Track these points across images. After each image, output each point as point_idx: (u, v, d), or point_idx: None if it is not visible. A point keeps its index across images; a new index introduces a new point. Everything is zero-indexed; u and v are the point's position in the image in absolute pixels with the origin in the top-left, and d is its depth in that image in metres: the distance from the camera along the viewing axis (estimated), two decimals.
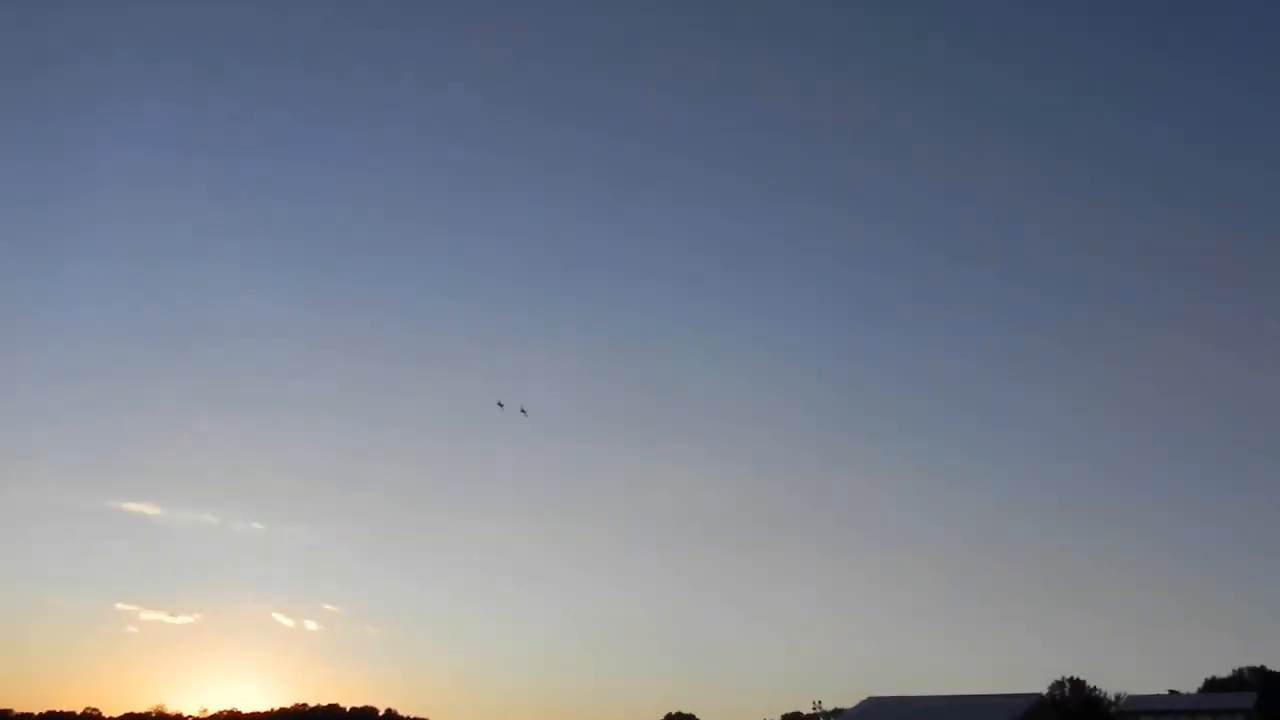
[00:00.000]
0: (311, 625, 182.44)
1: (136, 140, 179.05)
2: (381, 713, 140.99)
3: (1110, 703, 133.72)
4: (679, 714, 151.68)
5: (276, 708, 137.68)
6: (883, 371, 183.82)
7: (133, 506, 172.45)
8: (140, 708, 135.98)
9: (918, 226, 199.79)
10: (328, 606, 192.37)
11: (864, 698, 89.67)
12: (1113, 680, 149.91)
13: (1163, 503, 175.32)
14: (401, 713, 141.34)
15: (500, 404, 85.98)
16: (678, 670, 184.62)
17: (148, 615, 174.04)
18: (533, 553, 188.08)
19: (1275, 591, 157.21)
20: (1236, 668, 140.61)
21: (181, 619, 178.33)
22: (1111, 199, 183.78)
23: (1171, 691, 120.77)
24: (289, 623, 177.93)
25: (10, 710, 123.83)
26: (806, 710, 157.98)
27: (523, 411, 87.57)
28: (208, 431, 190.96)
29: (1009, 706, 74.53)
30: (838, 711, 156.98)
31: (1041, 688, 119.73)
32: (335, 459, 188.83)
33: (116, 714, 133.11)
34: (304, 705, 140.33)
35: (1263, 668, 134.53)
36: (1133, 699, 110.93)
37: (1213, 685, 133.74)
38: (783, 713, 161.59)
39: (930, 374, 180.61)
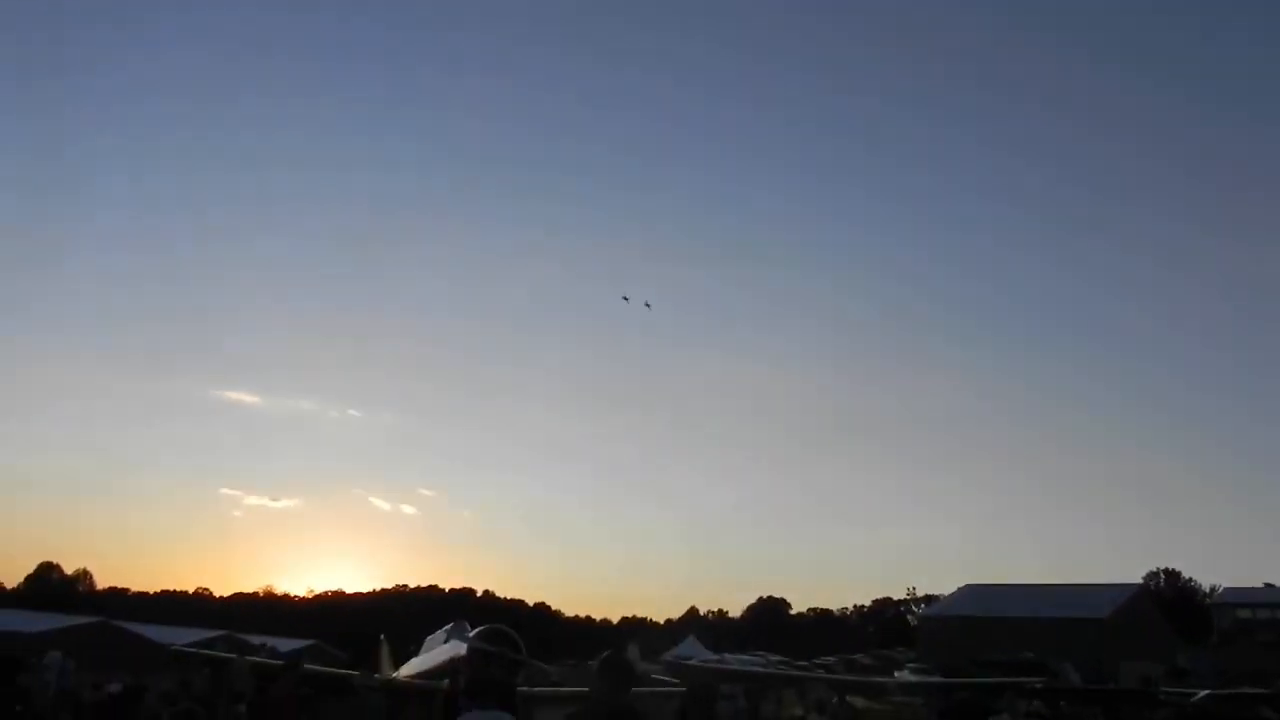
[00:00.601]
0: (408, 509, 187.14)
1: None
2: (479, 593, 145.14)
3: (1205, 594, 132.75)
4: (770, 597, 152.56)
5: (378, 589, 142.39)
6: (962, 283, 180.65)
7: (233, 395, 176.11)
8: (248, 589, 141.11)
9: None
10: (424, 491, 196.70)
11: (960, 585, 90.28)
12: (1207, 572, 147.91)
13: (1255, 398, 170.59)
14: (498, 594, 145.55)
15: (626, 298, 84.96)
16: (771, 559, 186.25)
17: (251, 500, 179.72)
18: (621, 443, 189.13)
19: None
20: None
21: (283, 503, 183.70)
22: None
23: (1268, 585, 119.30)
24: (386, 506, 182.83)
25: (128, 588, 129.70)
26: (899, 596, 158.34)
27: (647, 305, 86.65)
28: (303, 324, 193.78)
29: (1110, 595, 74.57)
30: (930, 599, 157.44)
31: (1136, 578, 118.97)
32: (431, 348, 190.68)
33: (226, 594, 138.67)
34: (404, 587, 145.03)
35: None
36: (1228, 590, 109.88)
37: None
38: (874, 598, 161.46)
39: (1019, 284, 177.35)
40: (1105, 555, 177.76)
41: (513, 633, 10.68)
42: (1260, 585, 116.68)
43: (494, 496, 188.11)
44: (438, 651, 18.83)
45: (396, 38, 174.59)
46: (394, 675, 21.30)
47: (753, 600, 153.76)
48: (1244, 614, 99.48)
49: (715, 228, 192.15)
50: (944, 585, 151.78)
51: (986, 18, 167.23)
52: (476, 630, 11.20)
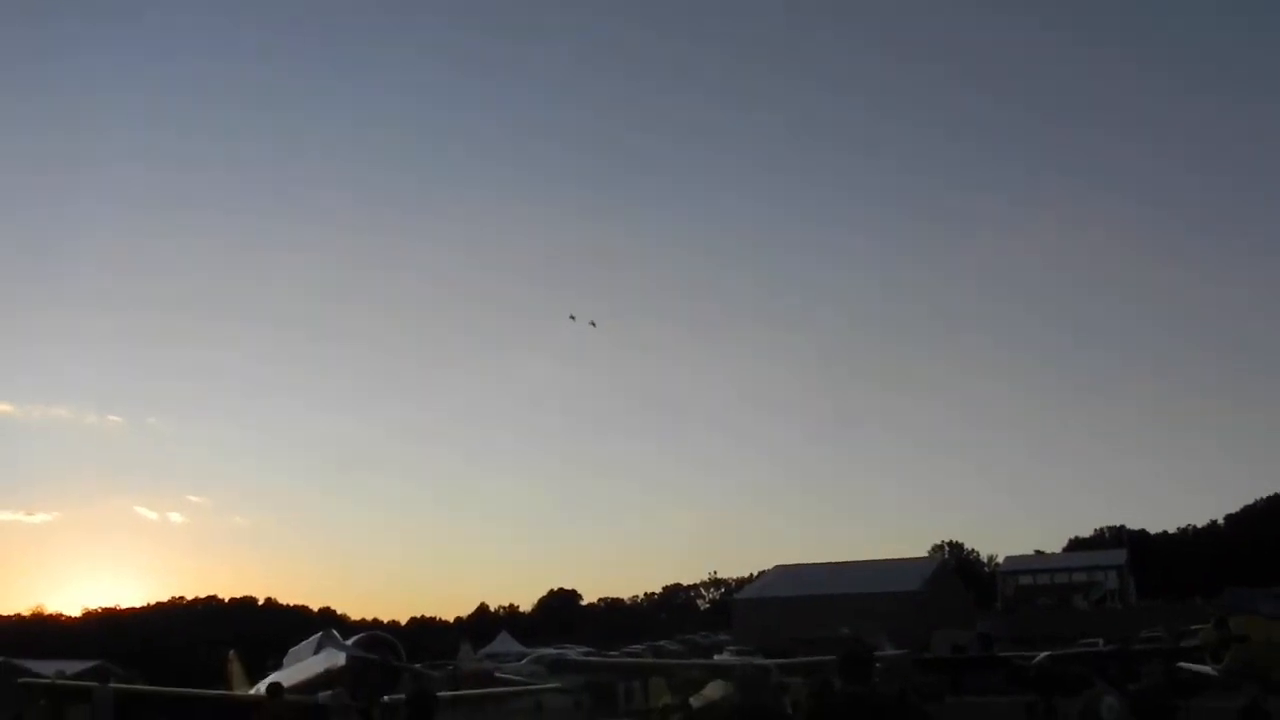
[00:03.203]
0: (176, 518, 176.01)
1: None
2: (260, 601, 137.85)
3: (984, 564, 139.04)
4: (561, 589, 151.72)
5: (154, 602, 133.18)
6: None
7: None
8: (16, 610, 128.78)
9: None
10: (192, 498, 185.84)
11: (764, 568, 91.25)
12: (981, 542, 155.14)
13: (1014, 361, 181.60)
14: (281, 600, 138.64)
15: (572, 317, 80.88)
16: (558, 551, 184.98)
17: (2, 516, 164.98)
18: (401, 439, 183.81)
19: (1134, 450, 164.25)
20: (1097, 528, 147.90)
21: (39, 517, 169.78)
22: None
23: (1038, 552, 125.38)
24: (153, 516, 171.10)
25: None
26: (701, 579, 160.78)
27: (592, 324, 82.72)
28: (57, 326, 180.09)
29: (918, 568, 76.80)
30: (720, 582, 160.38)
31: (922, 551, 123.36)
32: (192, 349, 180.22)
33: None
34: (181, 599, 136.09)
35: (1122, 527, 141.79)
36: (1009, 559, 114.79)
37: (1077, 544, 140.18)
38: (664, 584, 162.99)
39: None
40: (887, 532, 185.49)
41: (392, 639, 8.96)
42: (1031, 553, 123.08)
43: (267, 500, 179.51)
44: (310, 663, 17.13)
45: None
46: (256, 689, 18.48)
47: (543, 593, 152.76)
48: (1025, 580, 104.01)
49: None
50: (735, 569, 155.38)
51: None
52: (354, 639, 9.45)
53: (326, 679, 15.36)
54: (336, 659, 15.30)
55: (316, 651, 17.03)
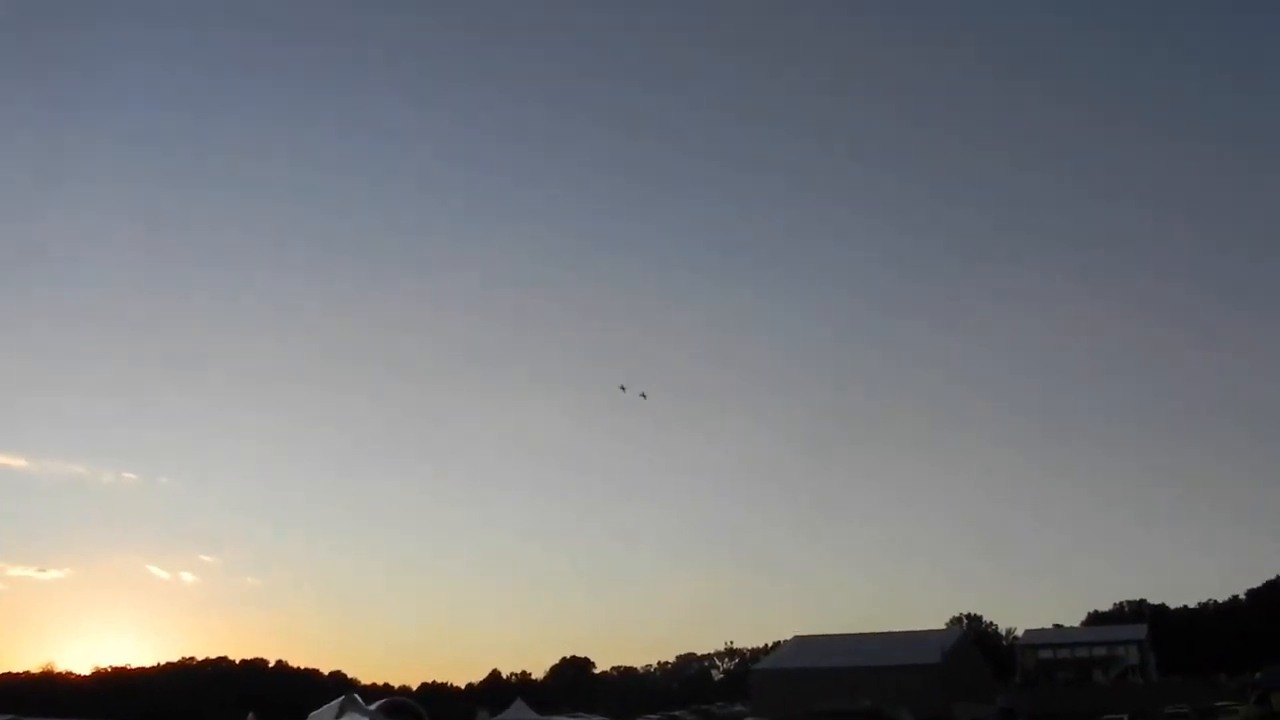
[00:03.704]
0: (188, 577, 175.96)
1: None
2: (271, 664, 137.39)
3: (1003, 637, 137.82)
4: (574, 657, 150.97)
5: (163, 662, 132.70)
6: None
7: None
8: (24, 667, 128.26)
9: None
10: (204, 557, 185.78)
11: (787, 638, 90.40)
12: (999, 615, 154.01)
13: (1017, 434, 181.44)
14: (291, 663, 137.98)
15: (623, 388, 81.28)
16: (567, 618, 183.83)
17: (15, 571, 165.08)
18: (409, 503, 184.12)
19: (1156, 522, 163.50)
20: (1116, 602, 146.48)
21: (51, 574, 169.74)
22: None
23: (1057, 626, 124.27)
24: (164, 575, 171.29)
25: None
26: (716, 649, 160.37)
27: (643, 396, 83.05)
28: (73, 380, 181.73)
29: (938, 640, 75.90)
30: (734, 652, 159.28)
31: (940, 624, 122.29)
32: (208, 408, 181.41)
33: None
34: (192, 659, 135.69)
35: (1143, 601, 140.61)
36: (1029, 633, 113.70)
37: (1096, 619, 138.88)
38: (678, 653, 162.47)
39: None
40: (904, 603, 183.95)
41: (416, 704, 9.41)
42: (1050, 626, 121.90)
43: (279, 562, 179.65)
44: None
45: None
46: None
47: (555, 660, 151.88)
48: (1045, 654, 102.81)
49: None
50: (750, 639, 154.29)
51: None
52: (379, 703, 10.00)
53: None
54: None
55: (339, 716, 17.18)
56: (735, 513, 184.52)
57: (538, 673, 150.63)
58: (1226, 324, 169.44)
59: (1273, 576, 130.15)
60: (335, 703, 18.47)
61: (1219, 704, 56.53)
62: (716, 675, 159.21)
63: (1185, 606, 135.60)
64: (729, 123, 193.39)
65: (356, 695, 18.04)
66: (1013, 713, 64.09)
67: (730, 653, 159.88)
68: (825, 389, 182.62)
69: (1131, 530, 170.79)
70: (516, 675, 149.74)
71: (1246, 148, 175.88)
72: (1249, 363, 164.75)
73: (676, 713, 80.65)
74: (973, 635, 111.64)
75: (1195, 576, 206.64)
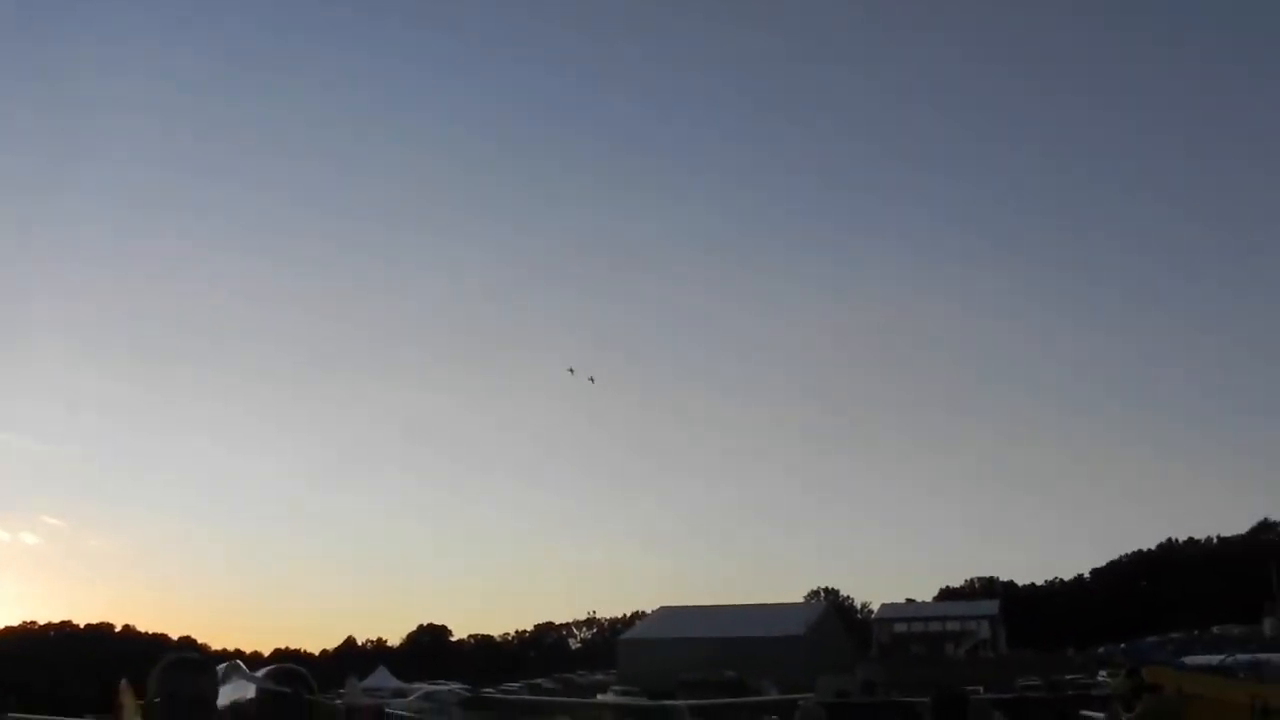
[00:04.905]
0: (30, 539, 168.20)
1: None
2: (118, 628, 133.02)
3: (858, 611, 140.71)
4: (431, 624, 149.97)
5: (2, 626, 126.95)
6: None
7: None
8: None
9: None
10: (48, 519, 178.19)
11: (649, 609, 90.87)
12: (856, 589, 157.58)
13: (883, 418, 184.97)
14: (139, 628, 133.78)
15: (571, 370, 79.37)
16: (427, 584, 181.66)
17: None
18: (269, 467, 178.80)
19: (1005, 502, 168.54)
20: (968, 578, 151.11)
21: None
22: None
23: (910, 600, 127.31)
24: (4, 535, 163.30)
25: None
26: (580, 617, 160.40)
27: (591, 380, 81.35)
28: None
29: (802, 613, 77.19)
30: (593, 621, 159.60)
31: (798, 596, 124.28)
32: (53, 367, 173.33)
33: None
34: (33, 623, 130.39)
35: (993, 578, 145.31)
36: (885, 606, 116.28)
37: (948, 594, 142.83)
38: (535, 623, 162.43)
39: None
40: (763, 577, 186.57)
41: (304, 671, 8.39)
42: (904, 601, 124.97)
43: (125, 525, 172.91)
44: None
45: None
46: None
47: (412, 628, 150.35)
48: (900, 628, 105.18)
49: None
50: (610, 609, 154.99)
51: None
52: (265, 670, 8.89)
53: (235, 714, 13.86)
54: (245, 691, 14.04)
55: (222, 682, 16.01)
56: (593, 483, 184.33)
57: (394, 640, 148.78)
58: (1068, 312, 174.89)
59: (1115, 557, 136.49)
60: (219, 669, 16.88)
61: (1069, 676, 58.69)
62: (574, 644, 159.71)
63: (1033, 584, 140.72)
64: None
65: (239, 662, 16.35)
66: (873, 684, 65.27)
67: (590, 622, 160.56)
68: (681, 355, 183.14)
69: (982, 509, 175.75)
70: (372, 643, 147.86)
71: None
72: (1099, 350, 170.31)
73: (538, 680, 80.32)
74: (833, 609, 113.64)
75: (1043, 556, 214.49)
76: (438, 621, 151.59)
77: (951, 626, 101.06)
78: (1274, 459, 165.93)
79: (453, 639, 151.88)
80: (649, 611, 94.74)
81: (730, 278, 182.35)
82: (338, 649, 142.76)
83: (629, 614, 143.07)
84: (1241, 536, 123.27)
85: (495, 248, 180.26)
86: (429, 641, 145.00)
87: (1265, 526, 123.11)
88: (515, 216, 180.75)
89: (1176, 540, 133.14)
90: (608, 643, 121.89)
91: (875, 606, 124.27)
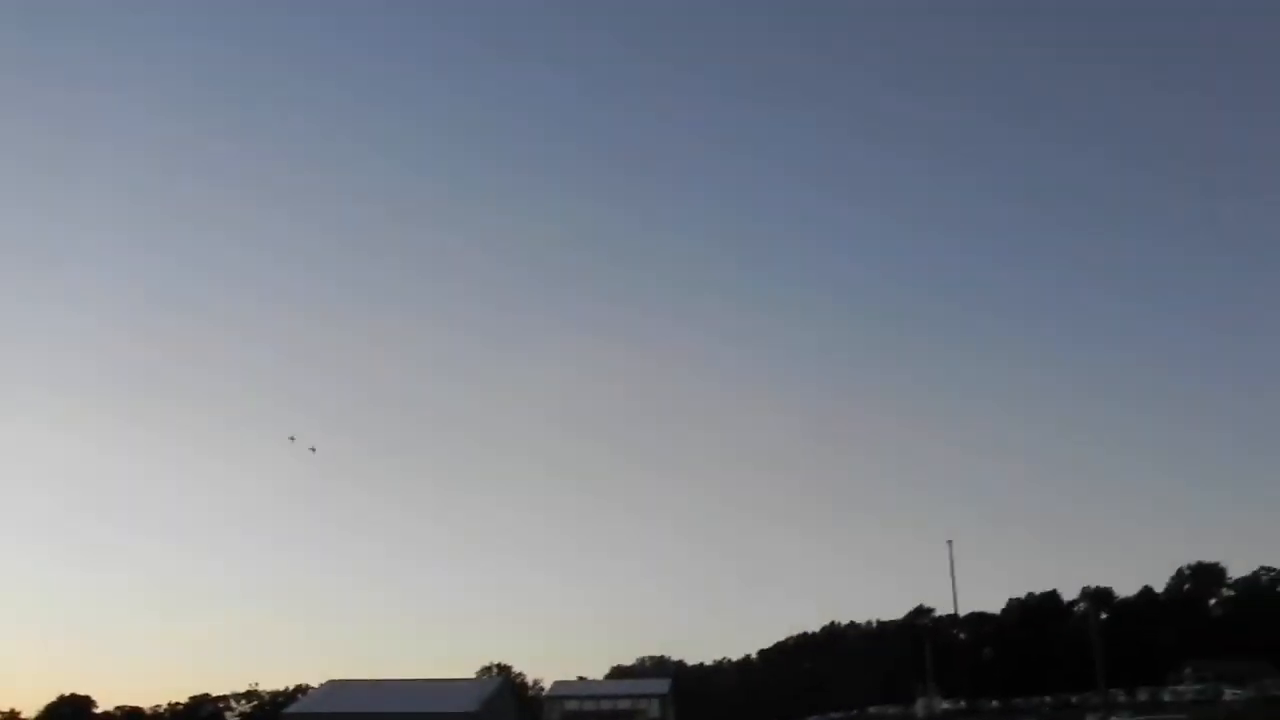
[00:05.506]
0: None
1: None
2: None
3: (529, 688, 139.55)
4: (74, 694, 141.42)
5: None
6: None
7: None
8: None
9: None
10: None
11: (320, 681, 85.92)
12: (528, 666, 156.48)
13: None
14: None
15: (292, 438, 77.70)
16: (69, 647, 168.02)
17: None
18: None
19: (676, 582, 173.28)
20: (639, 657, 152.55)
21: None
22: None
23: (581, 678, 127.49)
24: None
25: None
26: (240, 690, 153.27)
27: (312, 450, 79.38)
28: None
29: (475, 689, 74.85)
30: (253, 694, 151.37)
31: (470, 672, 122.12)
32: None
33: None
34: None
35: (664, 657, 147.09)
36: (558, 684, 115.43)
37: (620, 672, 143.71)
38: (191, 694, 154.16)
39: None
40: (433, 650, 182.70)
41: None
42: (575, 679, 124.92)
43: None
44: None
45: None
46: None
47: (51, 698, 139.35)
48: (571, 706, 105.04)
49: None
50: (273, 682, 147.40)
51: None
52: None
53: None
54: None
55: None
56: (255, 548, 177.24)
57: (27, 712, 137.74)
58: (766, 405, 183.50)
59: (782, 638, 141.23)
60: None
61: None
62: (231, 718, 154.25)
63: (702, 664, 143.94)
64: None
65: None
66: None
67: (251, 694, 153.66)
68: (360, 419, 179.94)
69: (655, 588, 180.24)
70: (4, 715, 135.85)
71: None
72: (777, 434, 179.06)
73: None
74: (507, 685, 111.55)
75: (712, 635, 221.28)
76: (80, 691, 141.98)
77: (623, 705, 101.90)
78: (933, 550, 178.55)
79: (96, 710, 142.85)
80: (315, 685, 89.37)
81: None
82: None
83: (293, 687, 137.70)
84: (898, 622, 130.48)
85: None
86: (70, 714, 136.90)
87: (920, 611, 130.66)
88: None
89: (839, 623, 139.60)
90: (269, 717, 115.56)
91: (547, 684, 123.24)
